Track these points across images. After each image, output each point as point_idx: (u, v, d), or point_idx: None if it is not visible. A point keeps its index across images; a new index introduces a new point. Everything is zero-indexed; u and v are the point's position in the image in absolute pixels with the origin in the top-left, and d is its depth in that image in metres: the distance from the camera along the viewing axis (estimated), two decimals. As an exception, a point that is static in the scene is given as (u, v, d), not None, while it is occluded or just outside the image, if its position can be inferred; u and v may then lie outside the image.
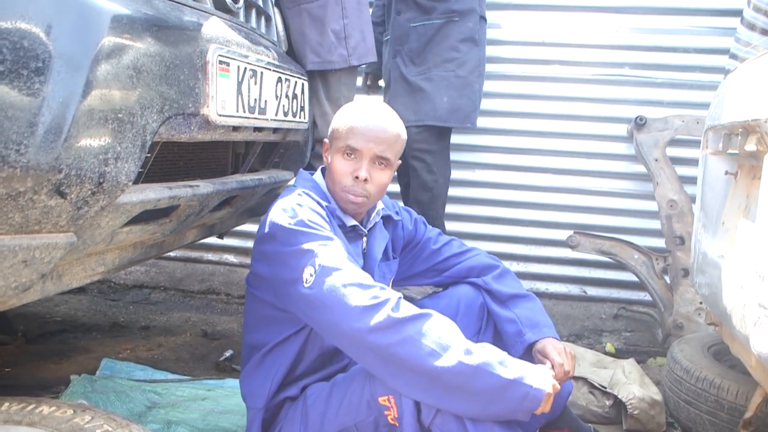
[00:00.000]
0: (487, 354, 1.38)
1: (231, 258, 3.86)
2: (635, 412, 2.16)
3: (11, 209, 1.06)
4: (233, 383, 2.34)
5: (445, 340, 1.37)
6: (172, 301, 3.56)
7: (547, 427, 1.87)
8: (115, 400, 2.07)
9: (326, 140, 1.73)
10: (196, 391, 2.27)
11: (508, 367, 1.37)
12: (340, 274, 1.43)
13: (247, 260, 1.71)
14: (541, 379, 1.39)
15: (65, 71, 1.07)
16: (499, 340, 1.77)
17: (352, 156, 1.63)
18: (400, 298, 1.43)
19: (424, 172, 3.04)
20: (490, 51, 3.52)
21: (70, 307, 3.27)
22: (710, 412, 2.05)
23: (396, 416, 1.43)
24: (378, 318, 1.36)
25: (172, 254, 3.79)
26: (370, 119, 1.64)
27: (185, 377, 2.42)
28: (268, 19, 2.22)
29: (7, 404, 1.34)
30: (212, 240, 3.41)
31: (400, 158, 1.72)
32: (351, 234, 1.71)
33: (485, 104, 3.49)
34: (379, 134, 1.62)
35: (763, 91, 1.33)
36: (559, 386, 1.47)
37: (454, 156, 3.55)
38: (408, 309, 1.40)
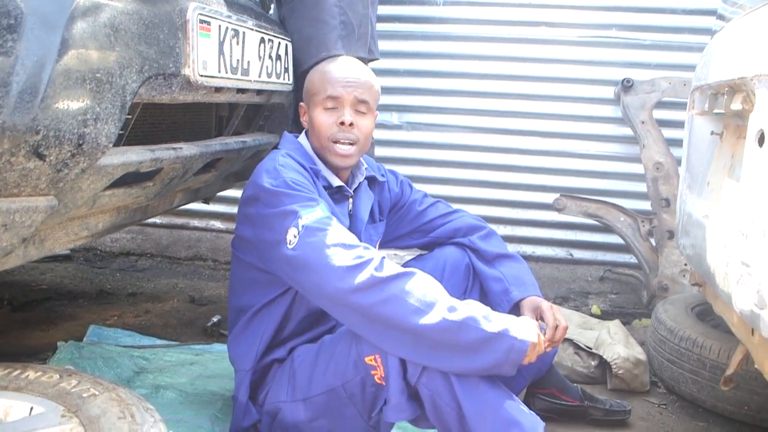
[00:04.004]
0: (470, 309, 1.39)
1: (217, 224, 3.84)
2: (620, 372, 2.19)
3: (-12, 172, 1.04)
4: (221, 348, 2.35)
5: (428, 297, 1.37)
6: (158, 268, 3.55)
7: (534, 386, 1.90)
8: (103, 365, 2.07)
9: (302, 104, 1.74)
10: (184, 356, 2.27)
11: (492, 321, 1.38)
12: (323, 234, 1.42)
13: (234, 226, 1.71)
14: (525, 330, 1.40)
15: (39, 29, 1.05)
16: (485, 299, 1.77)
17: (333, 106, 1.65)
18: (383, 257, 1.42)
19: None
20: (475, 13, 3.50)
21: (56, 275, 3.25)
22: (693, 370, 2.09)
23: (382, 375, 1.44)
24: (361, 277, 1.37)
25: (158, 221, 3.77)
26: (343, 67, 1.69)
27: (173, 342, 2.42)
28: (251, -21, 2.17)
29: (-8, 369, 1.34)
30: (198, 206, 3.40)
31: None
32: (337, 195, 1.70)
33: (471, 67, 3.47)
34: (355, 79, 1.66)
35: (749, 49, 1.32)
36: (546, 343, 1.49)
37: (441, 119, 3.53)
38: (391, 268, 1.41)
